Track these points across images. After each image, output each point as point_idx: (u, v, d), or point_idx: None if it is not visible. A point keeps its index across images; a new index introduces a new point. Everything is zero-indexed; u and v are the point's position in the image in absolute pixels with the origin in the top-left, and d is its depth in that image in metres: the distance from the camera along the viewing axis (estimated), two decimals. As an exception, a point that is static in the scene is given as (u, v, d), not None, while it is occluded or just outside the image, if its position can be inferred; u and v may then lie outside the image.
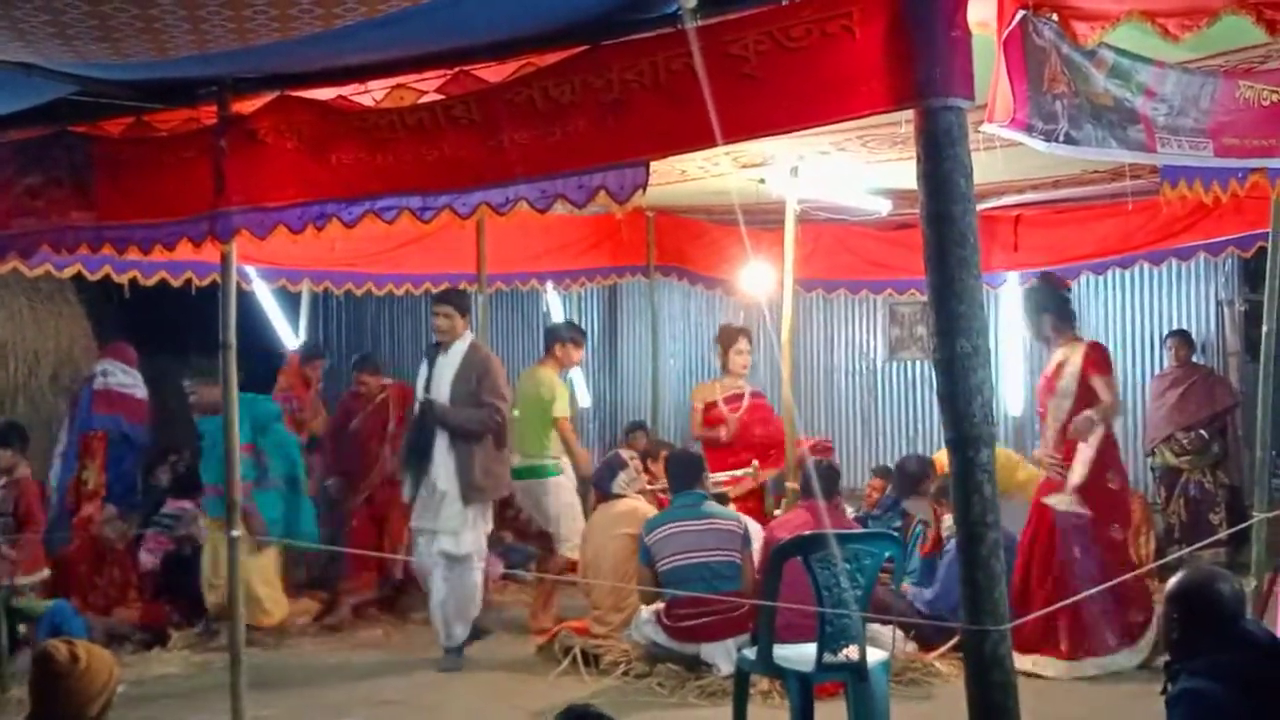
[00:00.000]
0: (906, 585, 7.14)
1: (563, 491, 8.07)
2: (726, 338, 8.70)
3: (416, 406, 7.39)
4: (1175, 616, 3.34)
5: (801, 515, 6.40)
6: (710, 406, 8.52)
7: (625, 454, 7.92)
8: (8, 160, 5.54)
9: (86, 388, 8.72)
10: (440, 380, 7.24)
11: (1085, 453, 6.69)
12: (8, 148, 5.55)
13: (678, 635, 6.56)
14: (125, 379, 7.96)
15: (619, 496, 7.44)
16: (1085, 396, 6.77)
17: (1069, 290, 7.49)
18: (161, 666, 7.24)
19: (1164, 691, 3.30)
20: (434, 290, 10.00)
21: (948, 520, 7.08)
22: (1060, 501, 6.73)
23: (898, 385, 11.42)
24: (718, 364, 8.87)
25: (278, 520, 7.67)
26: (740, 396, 8.50)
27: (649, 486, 7.94)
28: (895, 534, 6.19)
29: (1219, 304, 10.24)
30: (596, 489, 7.85)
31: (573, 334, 8.50)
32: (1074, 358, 6.87)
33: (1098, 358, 6.91)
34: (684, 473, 6.92)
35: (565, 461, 8.13)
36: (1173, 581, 3.41)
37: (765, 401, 8.73)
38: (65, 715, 3.44)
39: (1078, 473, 6.70)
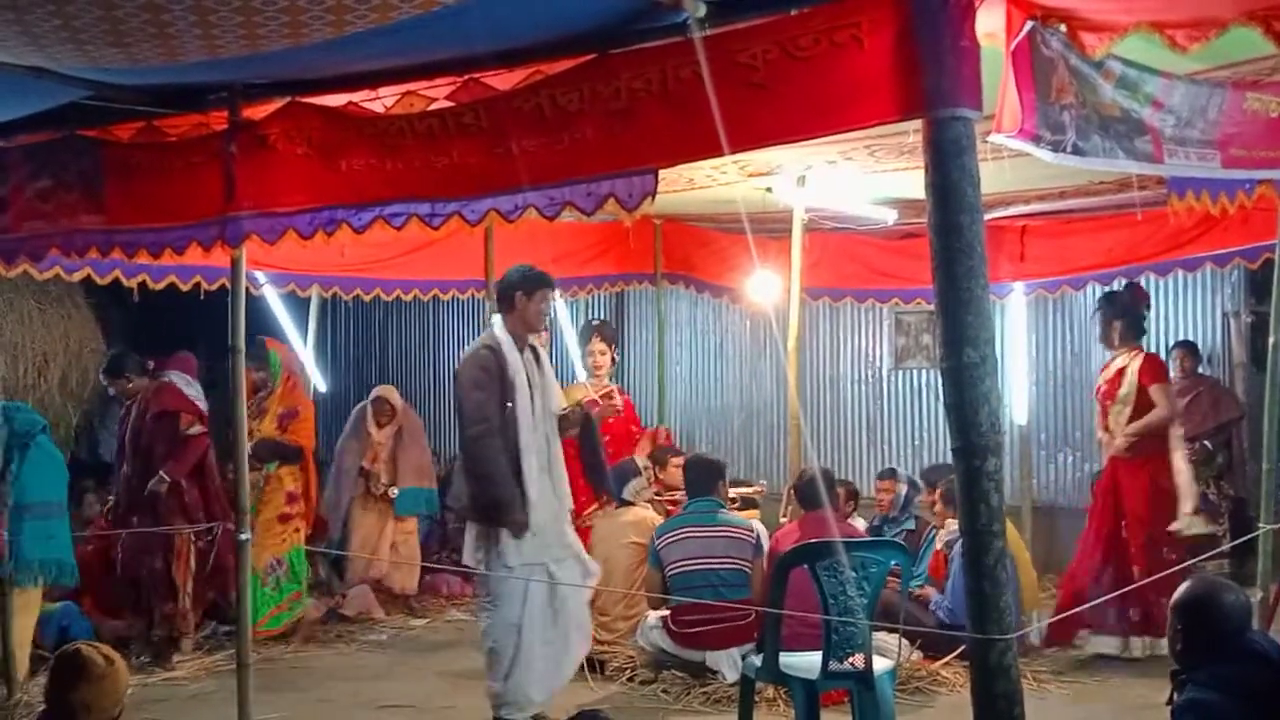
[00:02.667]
0: (928, 590, 7.12)
1: None
2: (582, 337, 8.54)
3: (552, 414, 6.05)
4: (1181, 627, 3.34)
5: (808, 524, 6.40)
6: (591, 405, 7.90)
7: (640, 460, 7.91)
8: (18, 164, 5.56)
9: None
10: (549, 393, 6.10)
11: (1185, 475, 7.11)
12: (18, 151, 5.58)
13: (684, 641, 6.57)
14: (189, 390, 7.98)
15: (628, 504, 7.45)
16: (1142, 404, 7.17)
17: (1148, 305, 7.91)
18: (167, 670, 7.24)
19: (1169, 701, 3.31)
20: (443, 296, 10.09)
21: (951, 525, 7.13)
22: (1188, 525, 7.05)
23: (903, 394, 11.41)
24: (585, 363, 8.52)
25: (35, 562, 6.43)
26: (611, 394, 7.59)
27: (658, 497, 7.92)
28: (901, 542, 6.18)
29: (1225, 315, 10.22)
30: (608, 493, 7.82)
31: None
32: (1133, 365, 7.27)
33: (1152, 367, 7.32)
34: (702, 477, 6.89)
35: None
36: (1179, 592, 3.41)
37: (629, 401, 8.50)
38: (96, 715, 3.51)
39: (1188, 498, 7.05)
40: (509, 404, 5.71)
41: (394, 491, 9.06)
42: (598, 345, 8.28)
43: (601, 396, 7.63)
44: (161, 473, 7.52)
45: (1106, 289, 8.00)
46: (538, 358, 6.01)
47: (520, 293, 5.93)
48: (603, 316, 12.96)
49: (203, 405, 7.87)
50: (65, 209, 5.41)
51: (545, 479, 5.78)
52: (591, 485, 7.11)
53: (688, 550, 6.61)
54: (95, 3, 3.72)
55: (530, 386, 5.83)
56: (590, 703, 6.25)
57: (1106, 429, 7.39)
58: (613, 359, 8.38)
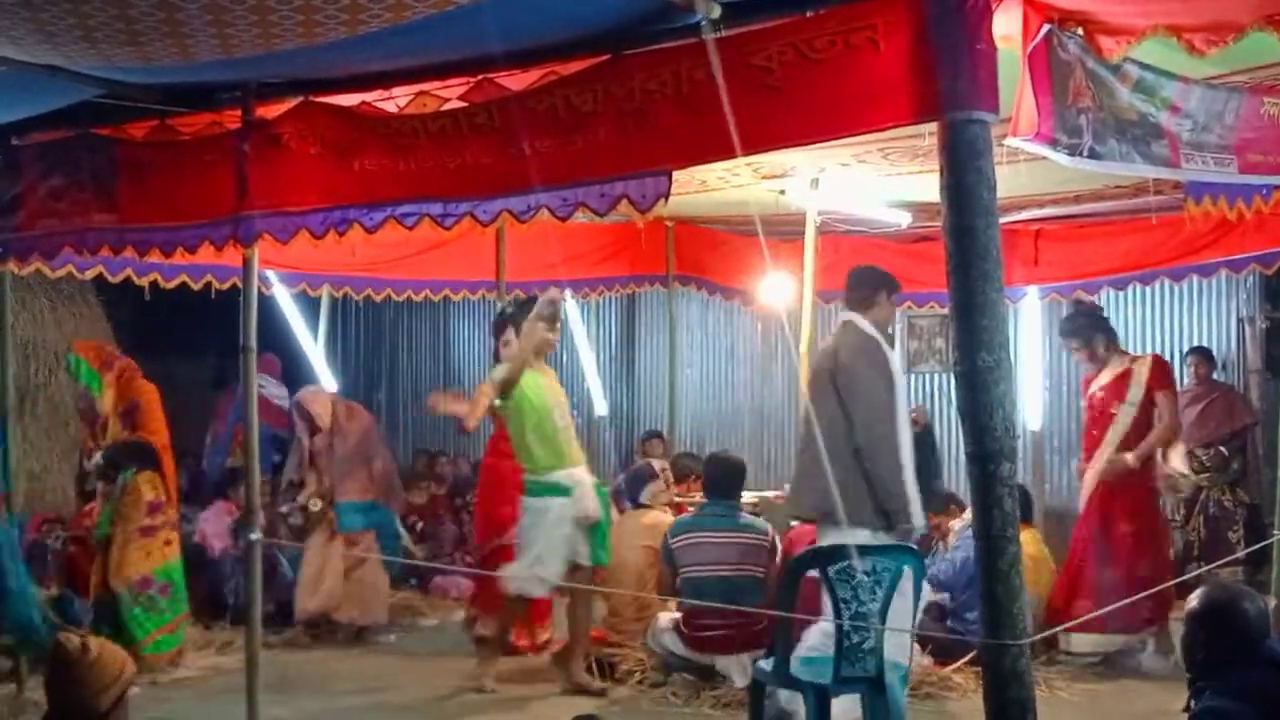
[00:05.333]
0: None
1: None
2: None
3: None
4: (1200, 635, 3.32)
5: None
6: None
7: (657, 464, 7.87)
8: (32, 162, 5.58)
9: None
10: None
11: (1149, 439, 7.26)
12: (32, 150, 5.59)
13: (695, 645, 6.54)
14: (274, 390, 7.98)
15: (645, 507, 7.43)
16: (1149, 409, 7.24)
17: (1102, 311, 8.07)
18: (176, 668, 7.24)
19: (1187, 709, 3.28)
20: (453, 297, 10.07)
21: (955, 525, 7.14)
22: (1116, 460, 7.18)
23: (916, 398, 11.36)
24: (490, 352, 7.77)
25: None
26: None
27: (675, 499, 7.88)
28: (913, 546, 6.14)
29: (1240, 321, 10.18)
30: (622, 498, 7.80)
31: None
32: (1140, 370, 7.32)
33: (1163, 373, 7.41)
34: (723, 480, 6.85)
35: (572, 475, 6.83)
36: (1196, 599, 3.38)
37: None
38: (75, 705, 3.47)
39: (1141, 448, 7.19)
40: (895, 402, 5.71)
41: (315, 505, 8.10)
42: (513, 336, 7.54)
43: None
44: None
45: (1066, 316, 8.01)
46: None
47: (884, 291, 5.95)
48: (613, 318, 13.01)
49: (282, 403, 7.83)
50: (78, 207, 5.42)
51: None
52: None
53: (702, 556, 6.57)
54: (110, 1, 3.72)
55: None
56: (600, 704, 6.24)
57: (1088, 454, 7.40)
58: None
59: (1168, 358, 10.40)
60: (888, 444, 5.59)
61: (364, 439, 8.33)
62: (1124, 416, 7.27)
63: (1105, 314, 7.94)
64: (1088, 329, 7.50)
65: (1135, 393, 7.27)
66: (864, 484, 5.54)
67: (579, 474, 6.76)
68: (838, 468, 5.43)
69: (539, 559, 6.59)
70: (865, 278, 6.04)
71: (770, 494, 8.39)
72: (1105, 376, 7.42)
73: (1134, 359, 7.45)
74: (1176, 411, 7.46)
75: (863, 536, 5.41)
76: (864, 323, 5.85)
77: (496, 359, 7.17)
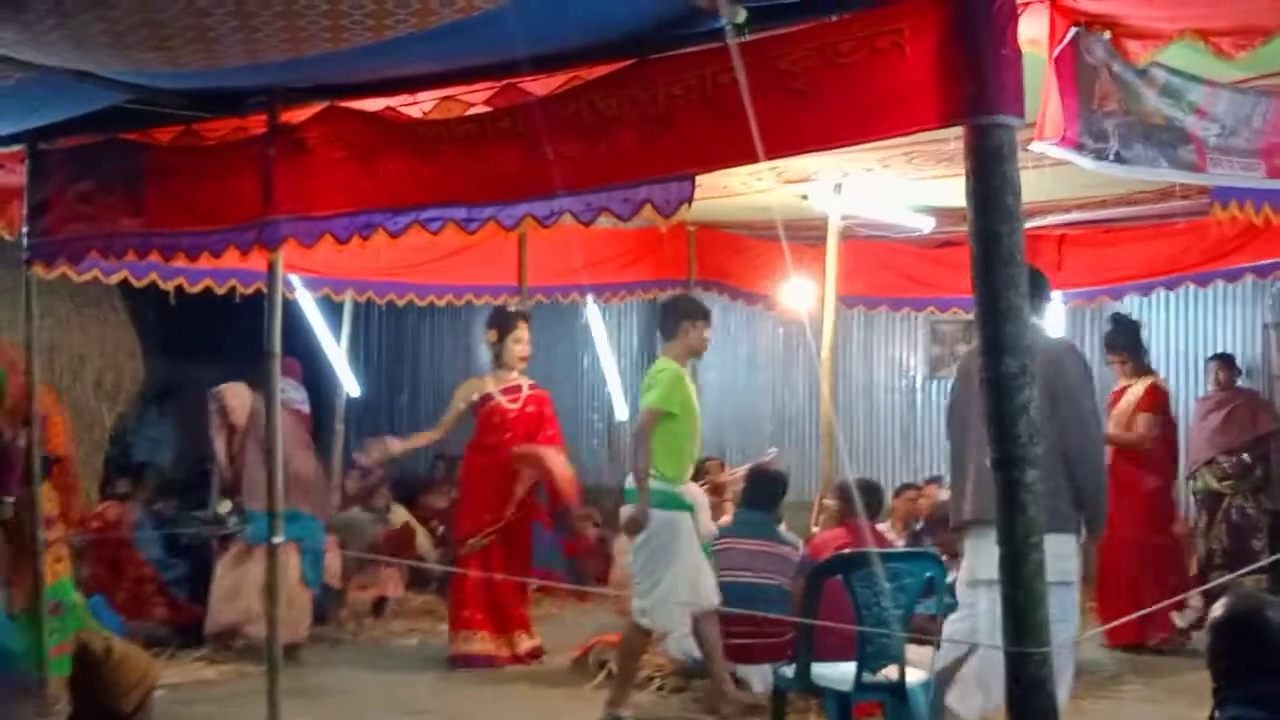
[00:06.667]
0: None
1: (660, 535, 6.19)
2: (505, 323, 7.66)
3: None
4: (1223, 644, 3.29)
5: (841, 534, 6.36)
6: (485, 399, 7.57)
7: None
8: (60, 166, 5.62)
9: None
10: None
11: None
12: (61, 154, 5.63)
13: (718, 652, 6.52)
14: (295, 395, 7.85)
15: None
16: (1129, 426, 7.84)
17: (1138, 326, 8.47)
18: (198, 671, 7.28)
19: (1210, 718, 3.26)
20: (476, 301, 10.09)
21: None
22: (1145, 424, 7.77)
23: (938, 403, 11.32)
24: (489, 354, 7.90)
25: None
26: (518, 388, 7.62)
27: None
28: (936, 552, 6.12)
29: (1265, 327, 10.12)
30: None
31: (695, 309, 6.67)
32: (1136, 389, 7.91)
33: (1151, 398, 7.90)
34: (761, 492, 6.81)
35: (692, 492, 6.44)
36: (1221, 608, 3.36)
37: (546, 396, 7.78)
38: (98, 707, 3.49)
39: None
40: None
41: (225, 507, 7.64)
42: (526, 334, 7.65)
43: (506, 389, 7.56)
44: None
45: (1113, 327, 8.37)
46: None
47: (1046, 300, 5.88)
48: (635, 323, 13.01)
49: (306, 409, 7.85)
50: (106, 211, 5.46)
51: None
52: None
53: (731, 561, 6.54)
54: (139, 7, 3.74)
55: None
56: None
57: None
58: None
59: (1191, 363, 10.43)
60: (1097, 448, 5.55)
61: (285, 441, 7.28)
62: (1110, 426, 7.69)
63: (1137, 327, 8.34)
64: (1113, 351, 8.05)
65: (1121, 410, 7.87)
66: (1068, 488, 5.37)
67: (695, 489, 6.53)
68: (1050, 475, 5.32)
69: (683, 582, 6.10)
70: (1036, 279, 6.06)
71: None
72: (1117, 388, 7.97)
73: (1142, 379, 7.98)
74: (1150, 432, 7.88)
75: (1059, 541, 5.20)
76: (1043, 325, 5.75)
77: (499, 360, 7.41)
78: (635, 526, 6.10)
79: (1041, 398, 5.44)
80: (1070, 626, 5.60)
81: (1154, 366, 10.16)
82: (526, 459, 7.50)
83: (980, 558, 5.04)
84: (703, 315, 6.49)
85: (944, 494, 8.32)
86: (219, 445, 7.68)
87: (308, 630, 7.76)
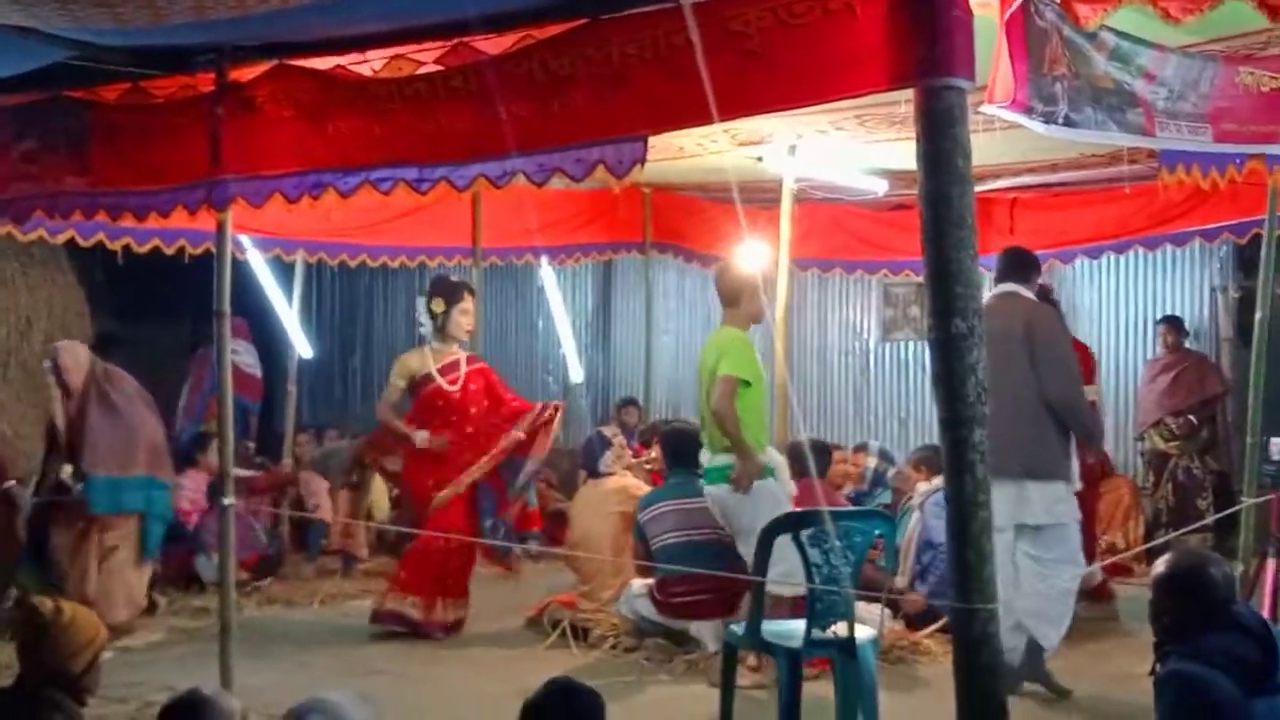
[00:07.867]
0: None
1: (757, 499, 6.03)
2: (452, 293, 7.29)
3: None
4: (1167, 599, 3.35)
5: (801, 492, 6.42)
6: (425, 381, 7.19)
7: (607, 432, 7.96)
8: (4, 125, 5.53)
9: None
10: None
11: None
12: (4, 112, 5.54)
13: (668, 611, 6.58)
14: (247, 357, 7.63)
15: (604, 475, 7.52)
16: None
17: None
18: (148, 633, 7.23)
19: (1152, 672, 3.32)
20: (429, 263, 10.04)
21: (921, 487, 7.23)
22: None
23: (891, 365, 11.43)
24: (429, 326, 7.34)
25: None
26: (456, 364, 7.26)
27: (635, 460, 7.93)
28: (887, 512, 6.19)
29: (1213, 290, 10.26)
30: (584, 469, 7.85)
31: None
32: None
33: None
34: (680, 450, 6.89)
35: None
36: (1163, 564, 3.42)
37: (486, 366, 7.51)
38: (48, 667, 3.48)
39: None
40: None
41: (66, 472, 6.90)
42: (472, 306, 7.43)
43: (444, 368, 7.20)
44: None
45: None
46: None
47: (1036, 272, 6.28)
48: (590, 285, 13.01)
49: (257, 372, 7.59)
50: (51, 170, 5.38)
51: None
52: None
53: (670, 523, 6.65)
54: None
55: None
56: (573, 669, 6.26)
57: None
58: None
59: (1140, 326, 10.57)
60: (1079, 392, 5.99)
61: (128, 405, 7.11)
62: None
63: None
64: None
65: None
66: (1061, 439, 5.83)
67: (773, 453, 6.44)
68: (1038, 426, 5.74)
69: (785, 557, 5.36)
70: (1030, 257, 6.34)
71: None
72: None
73: None
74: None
75: (1053, 488, 5.78)
76: (1028, 292, 6.09)
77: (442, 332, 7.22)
78: (749, 481, 6.05)
79: (1023, 355, 5.72)
80: (1076, 568, 5.93)
81: (1105, 330, 10.41)
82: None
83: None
84: (756, 284, 6.41)
85: (871, 460, 8.42)
86: (55, 407, 7.07)
87: (137, 611, 7.21)
